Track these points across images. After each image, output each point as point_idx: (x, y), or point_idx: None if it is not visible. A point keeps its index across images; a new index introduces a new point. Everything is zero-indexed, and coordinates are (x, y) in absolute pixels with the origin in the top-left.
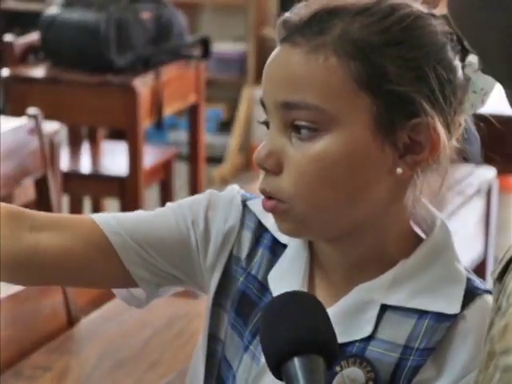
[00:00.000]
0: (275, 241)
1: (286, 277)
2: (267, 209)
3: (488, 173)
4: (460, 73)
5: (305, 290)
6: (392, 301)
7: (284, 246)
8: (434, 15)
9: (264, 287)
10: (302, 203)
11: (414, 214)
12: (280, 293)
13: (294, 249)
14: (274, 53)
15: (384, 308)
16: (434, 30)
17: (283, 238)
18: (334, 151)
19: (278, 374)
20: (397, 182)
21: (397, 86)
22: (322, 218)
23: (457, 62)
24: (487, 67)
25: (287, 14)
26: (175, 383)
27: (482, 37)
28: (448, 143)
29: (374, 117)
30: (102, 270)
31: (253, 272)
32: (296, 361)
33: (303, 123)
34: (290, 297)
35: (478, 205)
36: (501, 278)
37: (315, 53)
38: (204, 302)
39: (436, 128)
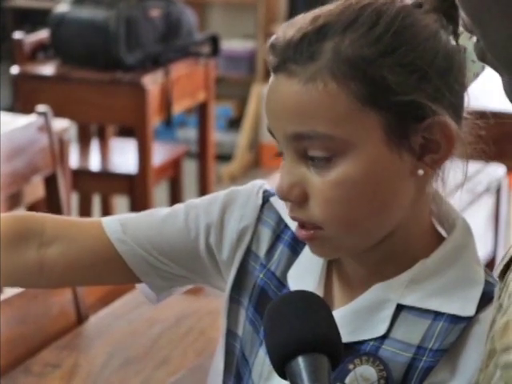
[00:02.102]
0: (295, 238)
1: (304, 274)
2: (303, 239)
3: (497, 170)
4: (458, 54)
5: (321, 288)
6: (408, 301)
7: (304, 244)
8: (419, 5)
9: (282, 284)
10: (335, 227)
11: (436, 212)
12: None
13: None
14: (270, 84)
15: (400, 307)
16: (424, 23)
17: None
18: (353, 173)
19: (282, 373)
20: (419, 182)
21: (401, 95)
22: (356, 237)
23: (451, 44)
24: (489, 50)
25: (274, 38)
26: (184, 381)
27: (484, 16)
28: (460, 128)
29: (385, 130)
30: (110, 277)
31: (272, 268)
32: (300, 360)
33: (317, 154)
34: (294, 296)
35: (487, 202)
36: (503, 275)
37: (313, 81)
38: (213, 300)
39: (447, 123)
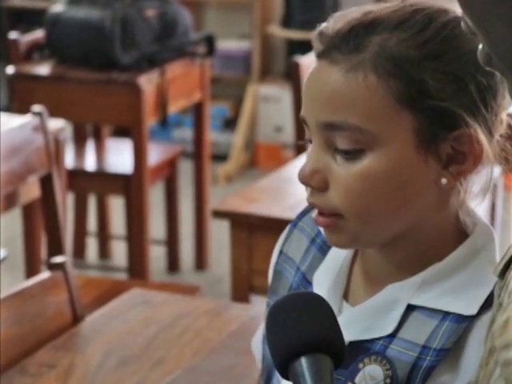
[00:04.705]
0: (326, 240)
1: (327, 273)
2: (320, 225)
3: (493, 171)
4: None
5: (343, 286)
6: (419, 301)
7: (330, 247)
8: None
9: (309, 284)
10: (354, 217)
11: (461, 219)
12: (319, 290)
13: (338, 249)
14: (312, 70)
15: (411, 308)
16: (471, 36)
17: None
18: (378, 169)
19: (285, 374)
20: (441, 190)
21: (438, 100)
22: (371, 231)
23: None
24: (493, 52)
25: (323, 26)
26: (180, 381)
27: (487, 18)
28: (490, 146)
29: (416, 132)
30: None
31: (304, 270)
32: (303, 360)
33: (345, 145)
34: (296, 297)
35: (482, 203)
36: (503, 274)
37: (354, 71)
38: (209, 300)
39: (478, 138)
